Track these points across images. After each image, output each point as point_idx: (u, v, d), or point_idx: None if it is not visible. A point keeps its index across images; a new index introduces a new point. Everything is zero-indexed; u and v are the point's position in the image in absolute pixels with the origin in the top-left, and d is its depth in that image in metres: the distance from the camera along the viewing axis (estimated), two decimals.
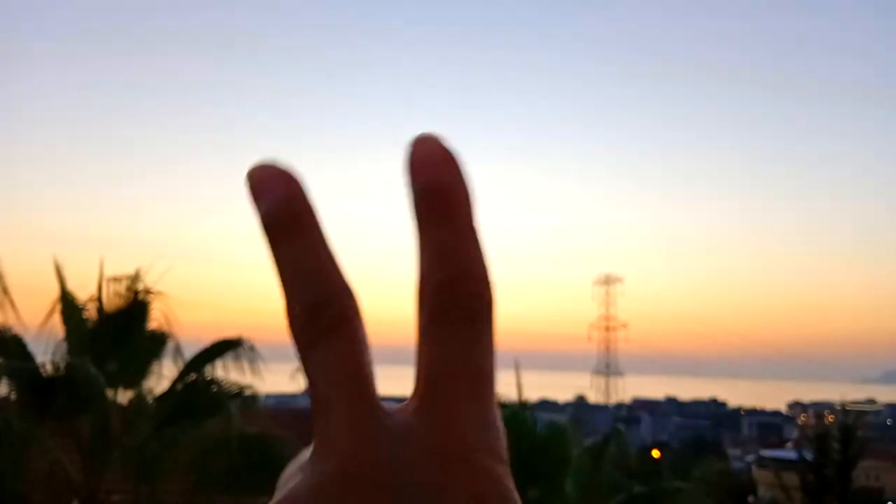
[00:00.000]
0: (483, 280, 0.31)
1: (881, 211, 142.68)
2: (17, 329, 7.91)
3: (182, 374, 8.32)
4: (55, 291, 8.10)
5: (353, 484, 0.28)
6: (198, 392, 8.27)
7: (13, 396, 7.76)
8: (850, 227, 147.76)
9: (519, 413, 9.52)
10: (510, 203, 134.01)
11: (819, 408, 67.85)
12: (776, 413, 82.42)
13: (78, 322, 8.10)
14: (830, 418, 32.41)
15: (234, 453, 7.70)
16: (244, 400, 8.21)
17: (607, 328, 79.98)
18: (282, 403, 20.93)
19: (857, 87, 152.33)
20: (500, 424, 0.31)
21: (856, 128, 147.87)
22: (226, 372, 8.29)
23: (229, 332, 8.56)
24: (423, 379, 0.30)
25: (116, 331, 8.01)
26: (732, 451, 46.12)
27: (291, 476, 0.31)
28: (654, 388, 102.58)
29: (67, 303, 8.11)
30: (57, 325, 7.99)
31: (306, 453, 0.30)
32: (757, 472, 31.55)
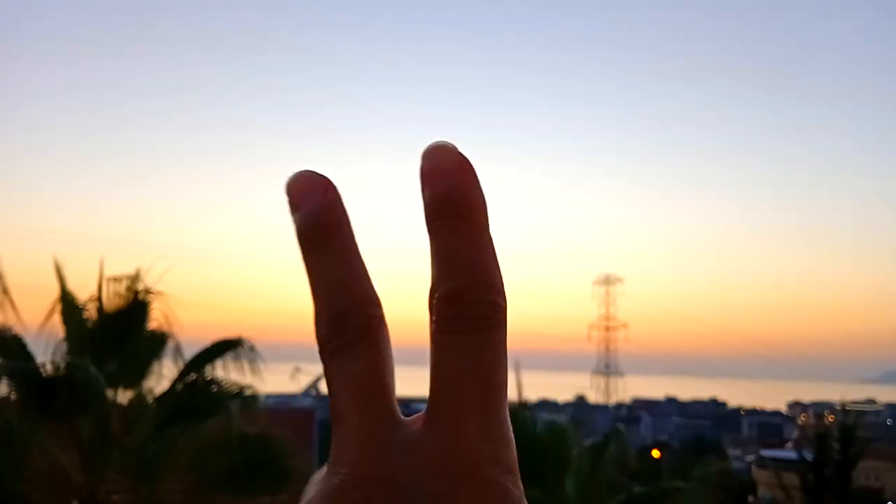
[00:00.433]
0: (494, 288, 0.31)
1: (881, 211, 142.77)
2: (17, 329, 7.91)
3: (182, 374, 8.31)
4: (55, 291, 8.10)
5: (359, 496, 0.29)
6: (198, 392, 8.26)
7: (13, 396, 7.75)
8: (851, 227, 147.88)
9: (519, 413, 9.51)
10: (510, 202, 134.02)
11: (819, 408, 67.87)
12: (776, 413, 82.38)
13: (78, 322, 8.10)
14: (830, 418, 32.43)
15: (234, 453, 7.70)
16: (244, 400, 8.21)
17: (607, 328, 79.96)
18: (282, 403, 20.94)
19: (858, 87, 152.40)
20: (510, 434, 0.31)
21: (856, 128, 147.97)
22: (226, 372, 8.29)
23: (229, 332, 8.57)
24: (433, 390, 0.30)
25: (116, 331, 8.01)
26: (732, 451, 46.07)
27: (310, 486, 0.31)
28: (654, 388, 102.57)
29: (67, 303, 8.10)
30: (57, 325, 7.99)
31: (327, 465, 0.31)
32: (757, 473, 31.54)
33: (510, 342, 0.31)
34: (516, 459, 0.30)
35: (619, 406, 76.56)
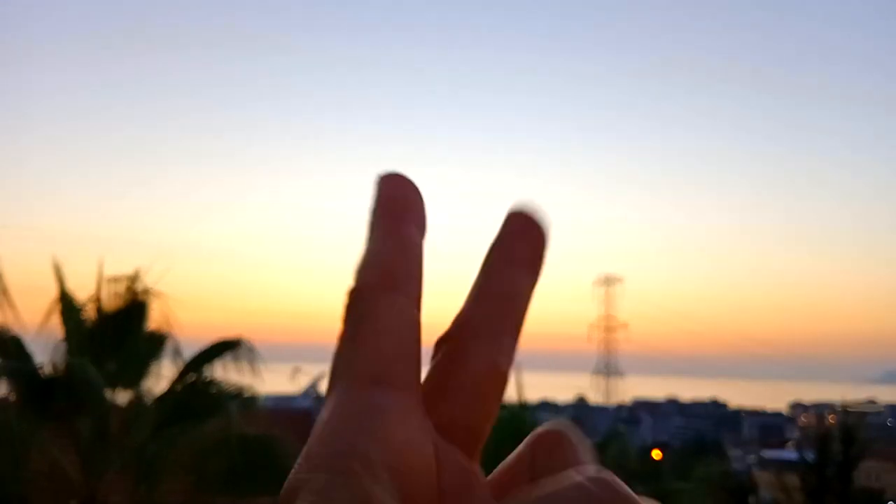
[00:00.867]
0: None
1: (882, 211, 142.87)
2: (17, 329, 7.92)
3: (181, 375, 8.32)
4: (54, 291, 8.11)
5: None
6: (197, 393, 8.27)
7: (12, 397, 7.76)
8: (851, 227, 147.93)
9: (519, 414, 9.51)
10: (509, 202, 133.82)
11: (820, 408, 67.88)
12: (777, 414, 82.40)
13: (77, 322, 8.10)
14: (831, 419, 32.48)
15: (233, 454, 7.70)
16: (243, 400, 8.21)
17: (607, 328, 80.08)
18: (281, 404, 20.95)
19: (858, 87, 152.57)
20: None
21: (857, 128, 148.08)
22: (225, 372, 8.30)
23: (229, 333, 8.58)
24: None
25: (115, 331, 8.01)
26: (733, 452, 46.09)
27: None
28: (654, 388, 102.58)
29: (67, 303, 8.11)
30: (56, 326, 8.00)
31: None
32: (758, 473, 31.54)
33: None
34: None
35: (620, 407, 76.61)
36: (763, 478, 28.43)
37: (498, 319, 0.29)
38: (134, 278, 8.27)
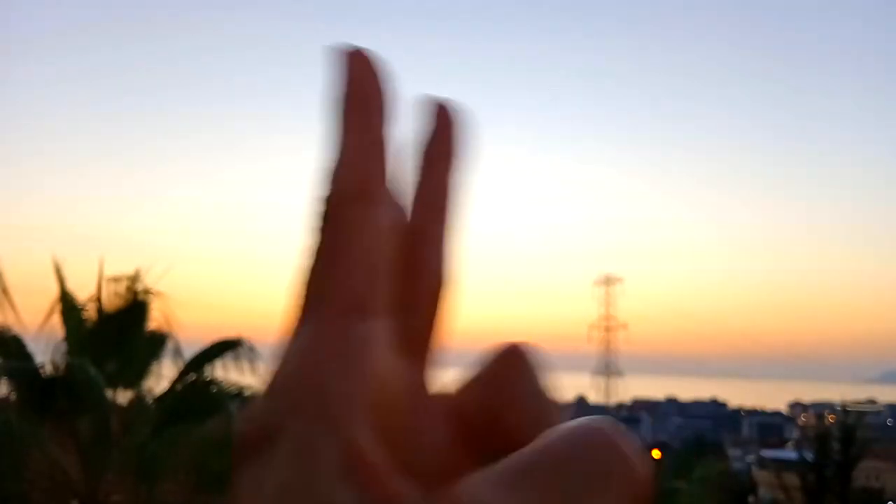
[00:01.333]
0: None
1: (882, 211, 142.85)
2: (17, 329, 7.92)
3: (182, 375, 8.32)
4: (55, 291, 8.11)
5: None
6: (197, 392, 8.27)
7: (13, 397, 7.77)
8: (851, 227, 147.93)
9: None
10: (509, 202, 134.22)
11: (819, 408, 67.93)
12: (777, 413, 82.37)
13: (77, 322, 8.10)
14: (831, 418, 32.45)
15: (233, 454, 7.70)
16: (244, 400, 8.21)
17: (607, 328, 79.95)
18: None
19: (858, 88, 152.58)
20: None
21: (859, 128, 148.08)
22: (225, 372, 8.30)
23: (229, 332, 8.58)
24: None
25: (116, 331, 8.01)
26: (733, 452, 46.09)
27: None
28: (654, 388, 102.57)
29: (67, 303, 8.11)
30: (56, 326, 8.00)
31: None
32: (757, 473, 31.57)
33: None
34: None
35: (620, 406, 76.60)
36: (762, 477, 28.45)
37: (442, 224, 0.29)
38: (134, 278, 8.27)
